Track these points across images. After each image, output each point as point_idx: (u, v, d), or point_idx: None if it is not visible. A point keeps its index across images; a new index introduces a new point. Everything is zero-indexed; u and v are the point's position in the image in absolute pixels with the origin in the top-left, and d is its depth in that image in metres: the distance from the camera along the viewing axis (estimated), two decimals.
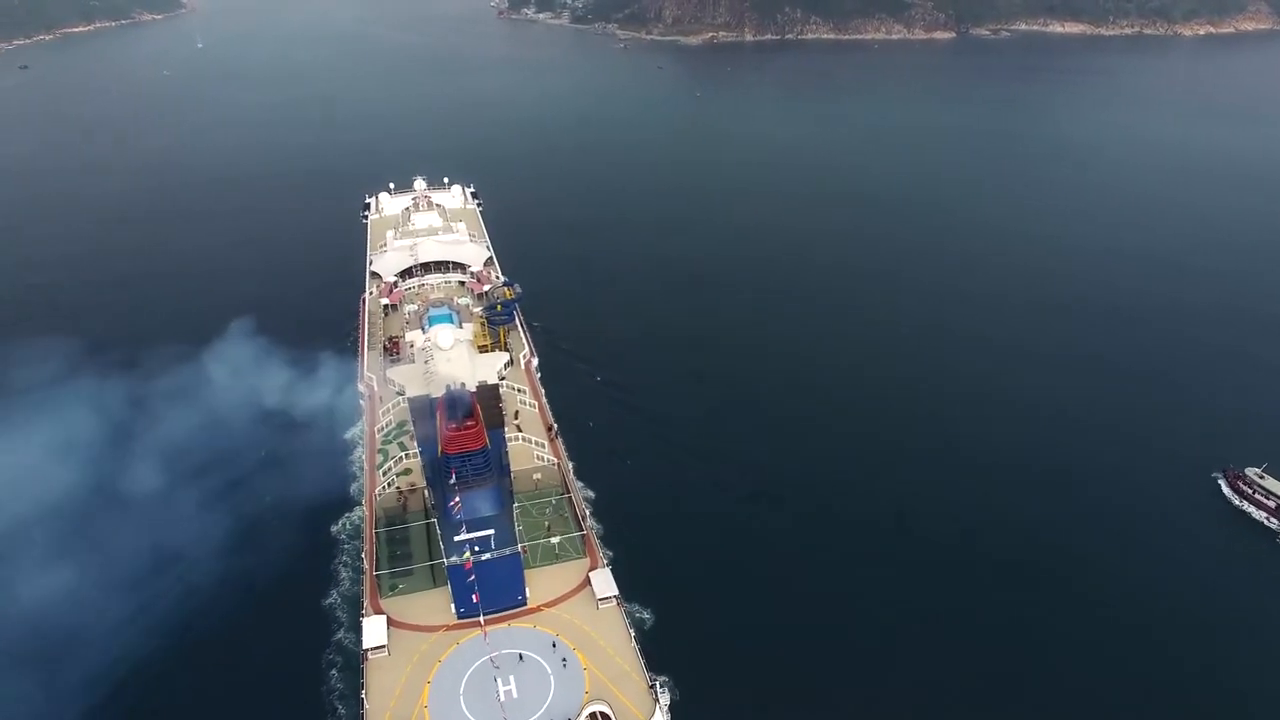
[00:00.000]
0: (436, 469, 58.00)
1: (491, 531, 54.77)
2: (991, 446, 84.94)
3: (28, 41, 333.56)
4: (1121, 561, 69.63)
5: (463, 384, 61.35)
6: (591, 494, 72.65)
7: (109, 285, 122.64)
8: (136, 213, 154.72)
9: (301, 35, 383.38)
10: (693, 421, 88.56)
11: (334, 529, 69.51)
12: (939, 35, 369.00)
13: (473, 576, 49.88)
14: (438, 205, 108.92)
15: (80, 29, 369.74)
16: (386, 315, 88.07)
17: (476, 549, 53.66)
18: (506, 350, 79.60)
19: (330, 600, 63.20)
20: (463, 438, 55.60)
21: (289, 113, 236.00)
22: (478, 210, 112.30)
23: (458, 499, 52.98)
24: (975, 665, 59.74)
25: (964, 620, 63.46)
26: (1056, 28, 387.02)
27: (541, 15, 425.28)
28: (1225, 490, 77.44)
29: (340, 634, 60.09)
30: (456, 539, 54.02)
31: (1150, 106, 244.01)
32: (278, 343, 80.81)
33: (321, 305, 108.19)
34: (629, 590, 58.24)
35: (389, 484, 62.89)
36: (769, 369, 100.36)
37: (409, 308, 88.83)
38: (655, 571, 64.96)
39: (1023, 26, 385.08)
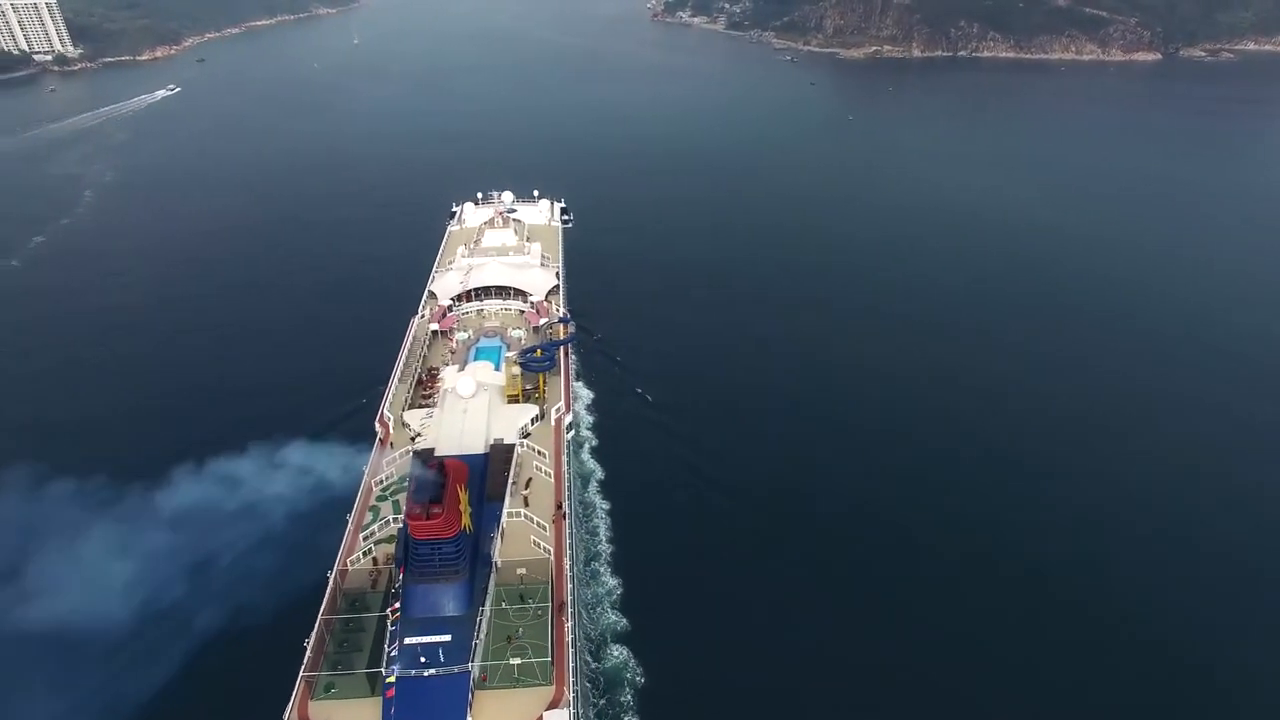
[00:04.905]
0: (408, 549, 49.82)
1: (447, 638, 46.01)
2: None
3: (216, 35, 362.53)
4: None
5: (440, 458, 52.63)
6: (617, 586, 62.03)
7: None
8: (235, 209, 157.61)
9: (457, 32, 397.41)
10: (779, 521, 72.74)
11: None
12: (1140, 57, 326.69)
13: (393, 710, 41.26)
14: (516, 221, 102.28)
15: (263, 23, 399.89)
16: (433, 342, 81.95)
17: (423, 659, 45.22)
18: (543, 401, 70.79)
19: None
20: (429, 526, 47.10)
21: (418, 104, 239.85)
22: (560, 229, 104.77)
23: (396, 605, 44.34)
24: None
25: None
26: None
27: (696, 20, 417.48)
28: None
29: None
30: (405, 641, 45.80)
31: None
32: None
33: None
34: None
35: (366, 552, 55.52)
36: (900, 477, 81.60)
37: (460, 335, 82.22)
38: None
39: (1250, 46, 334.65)
